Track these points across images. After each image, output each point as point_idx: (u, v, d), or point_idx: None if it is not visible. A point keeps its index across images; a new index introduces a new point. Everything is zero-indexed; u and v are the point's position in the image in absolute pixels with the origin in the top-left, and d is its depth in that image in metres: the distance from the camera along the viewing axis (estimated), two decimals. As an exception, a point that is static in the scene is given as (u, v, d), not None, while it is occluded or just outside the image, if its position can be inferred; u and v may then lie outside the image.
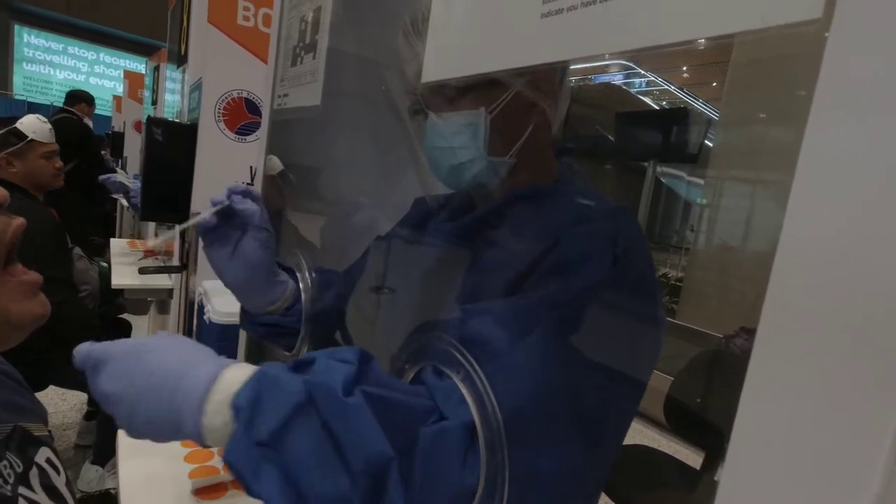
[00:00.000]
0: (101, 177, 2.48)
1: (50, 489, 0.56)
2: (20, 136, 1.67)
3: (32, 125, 1.70)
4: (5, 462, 0.51)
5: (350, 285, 0.71)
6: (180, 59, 1.80)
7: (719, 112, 3.70)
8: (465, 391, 0.39)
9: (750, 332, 0.21)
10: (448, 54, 0.39)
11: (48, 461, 0.58)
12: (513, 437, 0.37)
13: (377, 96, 0.70)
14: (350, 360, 0.39)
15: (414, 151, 0.71)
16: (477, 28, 0.35)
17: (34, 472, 0.55)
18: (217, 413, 0.38)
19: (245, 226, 0.64)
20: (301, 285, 0.68)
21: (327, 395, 0.37)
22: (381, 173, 0.74)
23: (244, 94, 1.61)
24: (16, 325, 0.49)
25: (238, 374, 0.40)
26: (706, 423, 1.39)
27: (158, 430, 0.40)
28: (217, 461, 0.74)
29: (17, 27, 9.33)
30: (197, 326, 1.43)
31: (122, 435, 0.75)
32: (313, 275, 0.68)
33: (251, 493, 0.37)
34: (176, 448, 0.75)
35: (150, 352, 0.41)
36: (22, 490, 0.51)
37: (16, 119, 1.70)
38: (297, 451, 0.36)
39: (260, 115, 1.66)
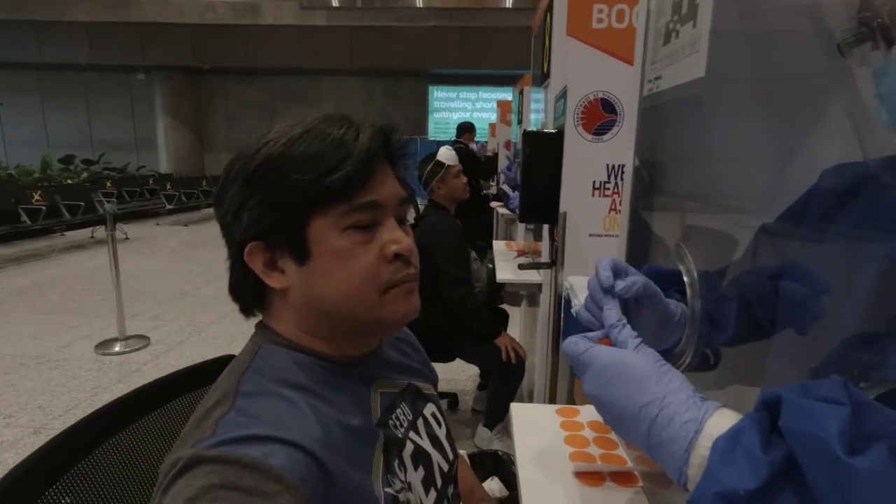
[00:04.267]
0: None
1: (433, 437, 0.66)
2: (441, 165, 2.22)
3: (444, 154, 2.24)
4: (399, 410, 0.63)
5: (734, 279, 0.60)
6: (543, 78, 2.00)
7: None
8: None
9: None
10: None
11: (433, 415, 0.69)
12: None
13: (774, 54, 0.57)
14: (838, 398, 0.29)
15: (817, 113, 0.54)
16: None
17: (421, 421, 0.66)
18: (700, 467, 0.36)
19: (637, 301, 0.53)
20: (688, 286, 0.61)
21: (817, 452, 0.27)
22: (777, 152, 0.61)
23: (600, 95, 1.64)
24: None
25: (722, 424, 0.36)
26: None
27: (636, 445, 0.42)
28: (593, 448, 0.76)
29: (430, 87, 12.58)
30: (564, 320, 1.55)
31: (514, 410, 0.86)
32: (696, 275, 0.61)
33: None
34: (557, 429, 0.81)
35: (627, 370, 0.42)
36: (411, 435, 0.63)
37: (435, 155, 2.27)
38: None
39: (615, 112, 1.66)
